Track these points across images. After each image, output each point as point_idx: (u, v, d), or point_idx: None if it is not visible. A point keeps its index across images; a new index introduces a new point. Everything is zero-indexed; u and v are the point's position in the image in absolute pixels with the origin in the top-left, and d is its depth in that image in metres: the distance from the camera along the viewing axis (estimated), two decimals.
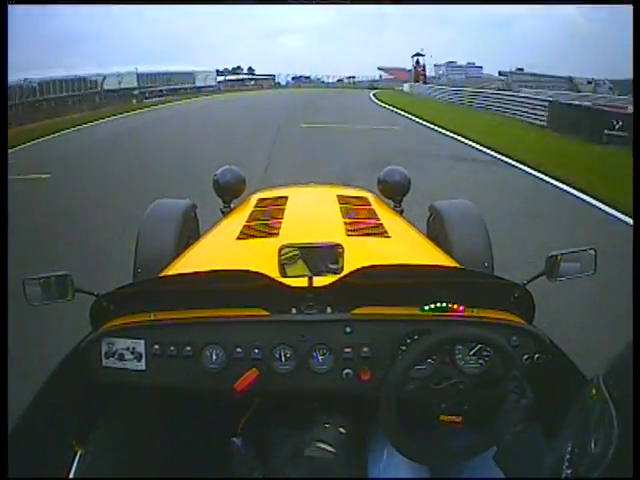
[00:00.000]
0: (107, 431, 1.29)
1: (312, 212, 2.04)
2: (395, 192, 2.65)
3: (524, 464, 1.11)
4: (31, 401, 1.11)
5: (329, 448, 1.21)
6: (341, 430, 1.21)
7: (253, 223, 1.79)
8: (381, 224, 1.78)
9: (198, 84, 47.90)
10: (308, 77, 70.58)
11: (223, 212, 2.55)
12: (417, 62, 52.55)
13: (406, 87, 39.30)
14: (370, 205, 2.06)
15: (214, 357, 1.22)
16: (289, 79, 67.72)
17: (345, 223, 1.74)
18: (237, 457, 1.25)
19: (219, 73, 56.86)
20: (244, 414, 1.37)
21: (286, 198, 2.05)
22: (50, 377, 1.18)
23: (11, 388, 1.34)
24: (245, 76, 63.97)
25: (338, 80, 67.70)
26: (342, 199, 2.05)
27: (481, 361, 1.20)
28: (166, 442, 1.46)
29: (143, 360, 1.23)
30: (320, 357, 1.22)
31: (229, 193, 2.63)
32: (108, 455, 1.26)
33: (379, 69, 67.92)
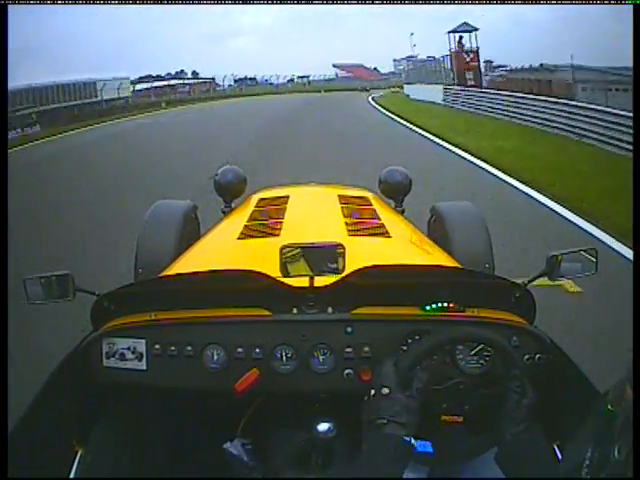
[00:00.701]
0: (107, 431, 1.28)
1: (313, 212, 2.04)
2: (396, 192, 2.66)
3: (525, 464, 1.11)
4: (31, 401, 1.11)
5: (328, 448, 1.21)
6: (340, 430, 1.21)
7: (254, 223, 1.79)
8: (382, 224, 1.78)
9: (111, 96, 31.52)
10: (253, 78, 59.11)
11: (224, 212, 2.55)
12: (460, 41, 25.09)
13: (412, 89, 26.17)
14: (371, 205, 2.06)
15: (215, 357, 1.21)
16: (231, 82, 55.75)
17: (346, 223, 1.74)
18: (237, 457, 1.25)
19: (133, 82, 40.55)
20: (245, 414, 1.37)
21: (287, 198, 2.05)
22: (50, 377, 1.17)
23: (11, 388, 1.34)
24: (174, 81, 48.26)
25: (289, 80, 58.17)
26: (343, 199, 2.05)
27: (482, 361, 1.20)
28: (166, 442, 1.46)
29: (144, 360, 1.23)
30: (321, 357, 1.21)
31: (230, 193, 2.64)
32: (108, 455, 1.26)
33: (334, 66, 60.80)
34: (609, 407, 0.58)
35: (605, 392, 0.62)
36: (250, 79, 59.51)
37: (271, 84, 57.18)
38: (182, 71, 57.98)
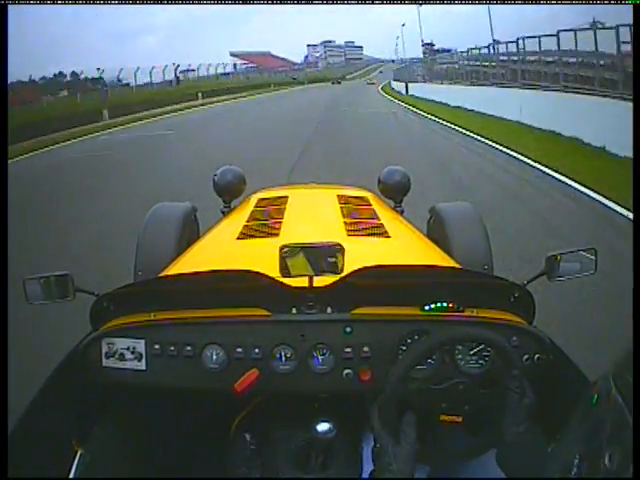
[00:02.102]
0: (107, 431, 1.29)
1: (312, 212, 2.04)
2: (395, 192, 2.66)
3: (525, 464, 1.11)
4: (31, 401, 1.11)
5: (328, 448, 1.21)
6: (340, 430, 1.21)
7: (253, 223, 1.79)
8: (381, 224, 1.78)
9: None
10: (99, 78, 34.88)
11: (223, 212, 2.55)
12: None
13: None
14: (370, 205, 2.06)
15: (214, 357, 1.21)
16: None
17: (345, 223, 1.74)
18: (237, 457, 1.25)
19: None
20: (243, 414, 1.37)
21: (286, 198, 2.05)
22: (50, 377, 1.17)
23: (11, 388, 1.34)
24: None
25: (175, 77, 36.98)
26: (342, 199, 2.05)
27: (481, 361, 1.20)
28: (166, 442, 1.47)
29: (143, 360, 1.23)
30: (320, 357, 1.22)
31: (229, 193, 2.63)
32: (108, 455, 1.26)
33: (232, 55, 48.37)
34: (595, 403, 0.58)
35: (592, 394, 0.61)
36: (93, 79, 34.99)
37: (127, 85, 35.09)
38: (60, 73, 42.23)
